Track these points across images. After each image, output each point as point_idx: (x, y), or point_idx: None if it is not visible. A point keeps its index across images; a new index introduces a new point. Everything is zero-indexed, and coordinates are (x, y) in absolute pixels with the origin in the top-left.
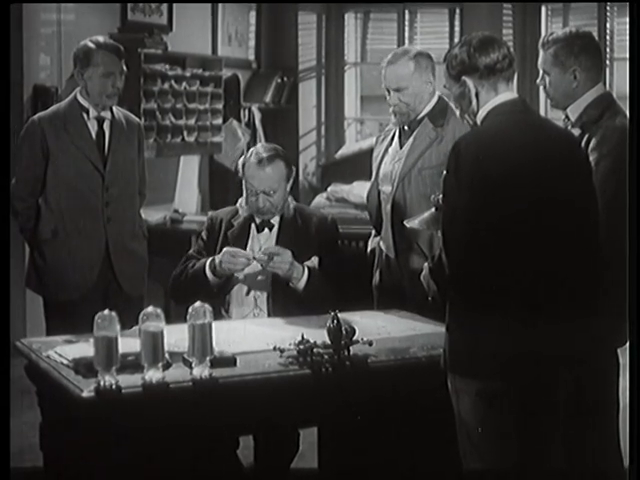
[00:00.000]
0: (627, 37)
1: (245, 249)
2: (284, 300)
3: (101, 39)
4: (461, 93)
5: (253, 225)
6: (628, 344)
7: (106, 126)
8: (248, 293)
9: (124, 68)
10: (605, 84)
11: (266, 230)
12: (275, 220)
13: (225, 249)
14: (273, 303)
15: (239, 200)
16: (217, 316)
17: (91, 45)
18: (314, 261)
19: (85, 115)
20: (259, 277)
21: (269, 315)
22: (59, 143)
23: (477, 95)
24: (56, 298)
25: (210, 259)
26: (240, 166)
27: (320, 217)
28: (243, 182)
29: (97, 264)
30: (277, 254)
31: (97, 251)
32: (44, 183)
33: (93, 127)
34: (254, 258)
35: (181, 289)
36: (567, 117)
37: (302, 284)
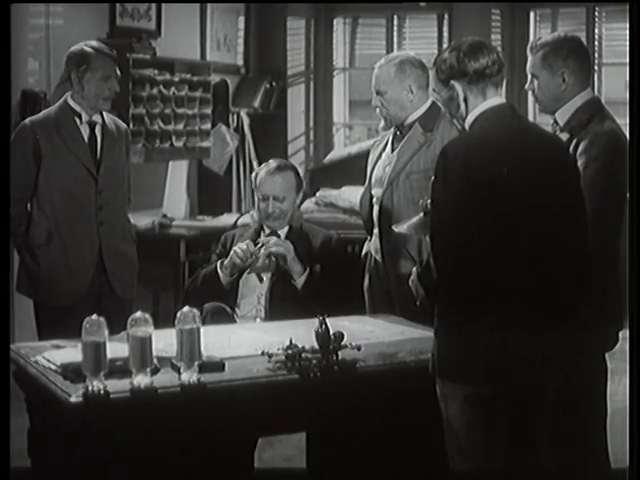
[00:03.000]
0: (616, 42)
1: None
2: (282, 299)
3: (96, 44)
4: (450, 97)
5: (263, 235)
6: (628, 346)
7: (98, 131)
8: (260, 280)
9: (118, 72)
10: (594, 90)
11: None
12: (282, 232)
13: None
14: (270, 302)
15: (251, 212)
16: (230, 318)
17: (88, 49)
18: (317, 268)
19: (78, 119)
20: (264, 261)
21: (266, 314)
22: (52, 147)
23: (465, 100)
24: (50, 302)
25: (220, 260)
26: (252, 178)
27: (326, 235)
28: (255, 193)
29: (91, 268)
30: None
31: (90, 255)
32: (35, 187)
33: (85, 131)
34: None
35: (194, 296)
36: (555, 122)
37: (301, 281)
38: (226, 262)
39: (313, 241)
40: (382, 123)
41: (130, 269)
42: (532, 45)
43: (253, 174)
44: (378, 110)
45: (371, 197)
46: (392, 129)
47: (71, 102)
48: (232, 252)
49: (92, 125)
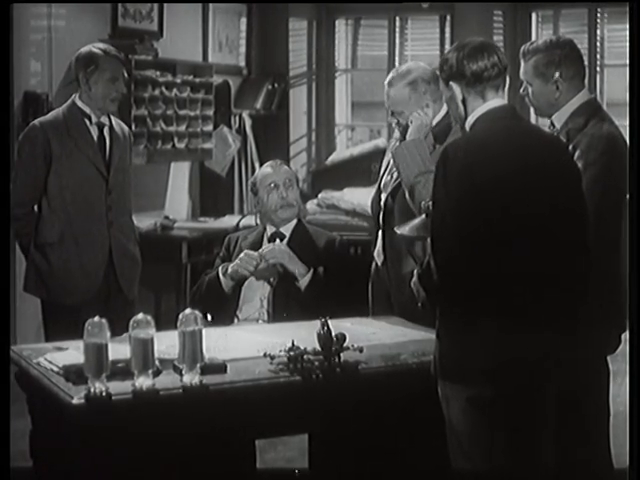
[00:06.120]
0: (618, 43)
1: None
2: (285, 302)
3: (104, 45)
4: (451, 97)
5: (265, 236)
6: (628, 347)
7: (106, 132)
8: (265, 283)
9: (125, 74)
10: (595, 91)
11: (277, 241)
12: (287, 231)
13: (244, 252)
14: (273, 304)
15: (259, 212)
16: (230, 321)
17: (97, 51)
18: (320, 270)
19: (87, 121)
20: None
21: (269, 316)
22: (63, 148)
23: (464, 101)
24: (61, 302)
25: (222, 265)
26: (251, 183)
27: (329, 237)
28: (258, 196)
29: (102, 267)
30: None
31: (102, 254)
32: (45, 188)
33: (95, 132)
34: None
35: (199, 301)
36: (552, 124)
37: (305, 282)
38: (231, 271)
39: (316, 243)
40: (397, 134)
41: (136, 269)
42: (524, 50)
43: (251, 181)
44: (395, 126)
45: (379, 200)
46: (400, 136)
47: (79, 103)
48: (238, 261)
49: (101, 126)
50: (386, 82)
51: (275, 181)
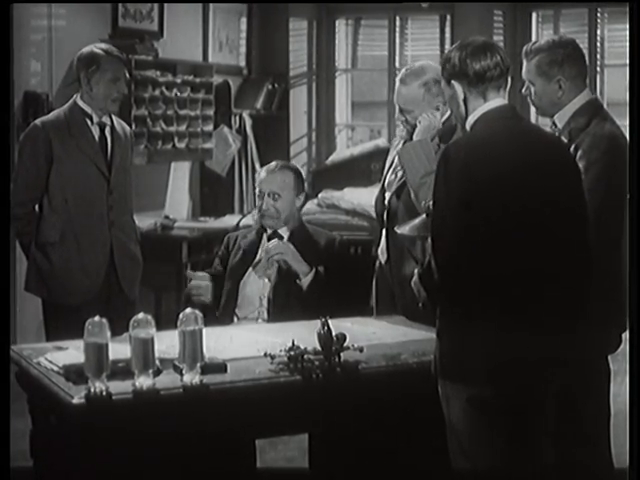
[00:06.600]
0: (618, 43)
1: (255, 257)
2: (284, 301)
3: (105, 46)
4: (452, 96)
5: (264, 236)
6: (628, 348)
7: (107, 132)
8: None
9: (127, 75)
10: (596, 91)
11: (276, 240)
12: (285, 233)
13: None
14: (273, 303)
15: (253, 213)
16: (230, 320)
17: (98, 51)
18: (321, 269)
19: (89, 120)
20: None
21: (269, 315)
22: (65, 147)
23: (465, 100)
24: (62, 301)
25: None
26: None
27: (329, 237)
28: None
29: (103, 267)
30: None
31: (103, 254)
32: (46, 187)
33: (96, 132)
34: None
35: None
36: (554, 124)
37: (307, 281)
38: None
39: (316, 243)
40: (403, 133)
41: (137, 269)
42: (527, 50)
43: (256, 175)
44: (402, 124)
45: (383, 199)
46: (406, 134)
47: (81, 103)
48: (193, 290)
49: (102, 126)
50: (398, 79)
51: (262, 190)
